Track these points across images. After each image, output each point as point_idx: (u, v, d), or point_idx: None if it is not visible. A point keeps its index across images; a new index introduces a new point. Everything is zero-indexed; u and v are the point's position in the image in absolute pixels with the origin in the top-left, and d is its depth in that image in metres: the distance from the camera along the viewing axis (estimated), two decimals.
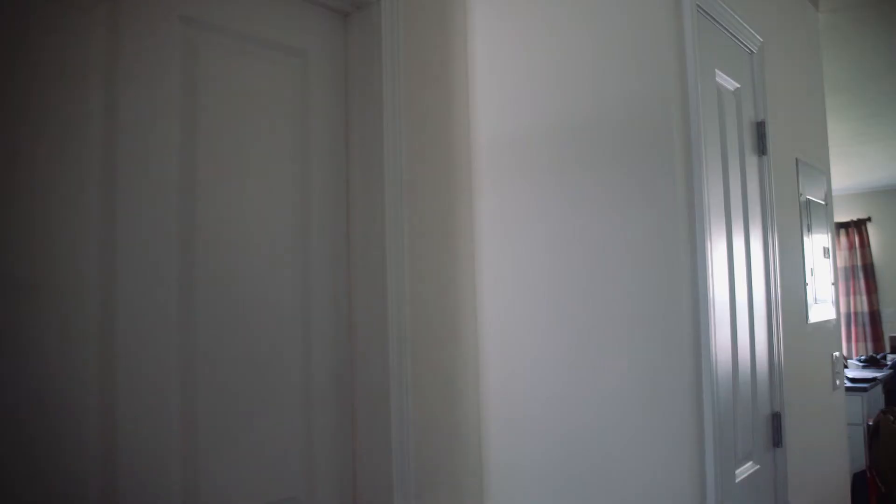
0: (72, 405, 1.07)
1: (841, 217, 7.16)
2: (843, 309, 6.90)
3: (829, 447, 2.43)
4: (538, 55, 1.64)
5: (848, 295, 7.32)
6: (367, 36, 1.53)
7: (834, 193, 2.87)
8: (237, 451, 1.29)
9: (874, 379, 4.41)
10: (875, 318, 7.25)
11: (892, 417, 3.70)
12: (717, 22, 1.69)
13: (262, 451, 1.33)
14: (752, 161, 1.86)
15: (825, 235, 2.58)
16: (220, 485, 1.25)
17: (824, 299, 2.51)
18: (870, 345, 7.12)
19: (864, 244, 7.38)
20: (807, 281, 2.30)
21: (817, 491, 2.20)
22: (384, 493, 1.43)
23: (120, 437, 1.11)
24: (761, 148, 1.91)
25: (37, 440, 1.02)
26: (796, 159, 2.29)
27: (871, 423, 3.74)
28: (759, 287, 1.82)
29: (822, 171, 2.62)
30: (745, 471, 1.64)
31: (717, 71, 1.69)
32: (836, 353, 2.59)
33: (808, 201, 2.39)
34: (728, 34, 1.77)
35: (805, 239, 2.32)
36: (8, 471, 0.99)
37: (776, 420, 1.84)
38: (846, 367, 4.65)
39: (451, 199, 1.67)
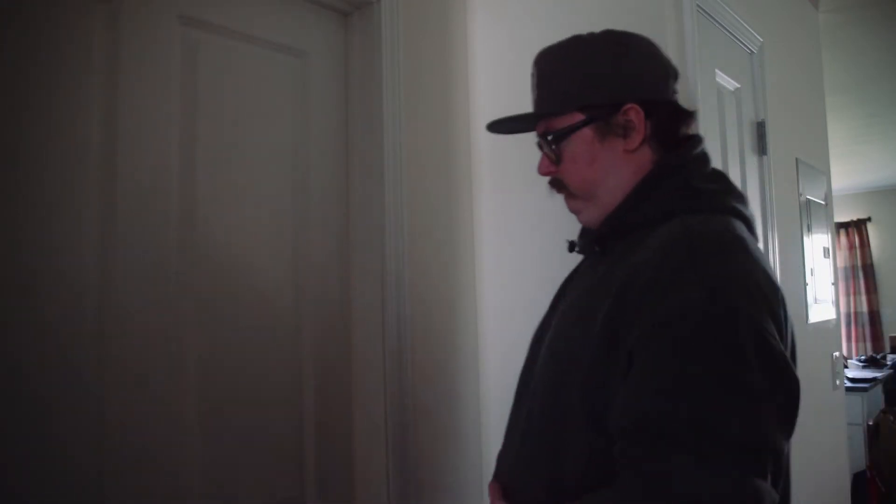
0: (67, 403, 1.06)
1: (841, 217, 7.16)
2: (843, 309, 6.90)
3: (829, 447, 2.43)
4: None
5: (848, 295, 7.32)
6: (367, 36, 1.53)
7: (834, 193, 2.87)
8: (235, 451, 1.29)
9: (874, 379, 4.40)
10: (875, 318, 7.24)
11: (892, 417, 3.70)
12: (717, 22, 1.69)
13: (260, 451, 1.33)
14: (752, 161, 1.86)
15: (825, 235, 2.58)
16: (218, 485, 1.25)
17: (824, 299, 2.51)
18: (870, 345, 7.12)
19: (864, 244, 7.38)
20: (807, 281, 2.30)
21: (817, 491, 2.20)
22: (383, 492, 1.43)
23: (119, 437, 1.11)
24: (761, 148, 1.91)
25: (31, 438, 1.02)
26: (796, 159, 2.29)
27: (871, 423, 3.74)
28: None
29: (822, 171, 2.62)
30: None
31: (717, 71, 1.69)
32: (836, 353, 2.59)
33: (808, 201, 2.39)
34: (728, 34, 1.77)
35: (805, 239, 2.32)
36: (4, 469, 0.99)
37: None
38: (846, 366, 4.65)
39: (452, 199, 1.67)
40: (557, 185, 1.01)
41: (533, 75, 1.01)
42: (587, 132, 0.94)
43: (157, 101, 1.20)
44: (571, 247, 1.08)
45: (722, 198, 0.92)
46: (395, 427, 1.43)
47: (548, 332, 0.98)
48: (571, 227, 1.54)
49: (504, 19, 1.71)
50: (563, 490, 0.85)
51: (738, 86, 1.81)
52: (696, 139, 0.97)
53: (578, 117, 0.95)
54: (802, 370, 2.16)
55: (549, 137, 0.96)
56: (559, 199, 1.56)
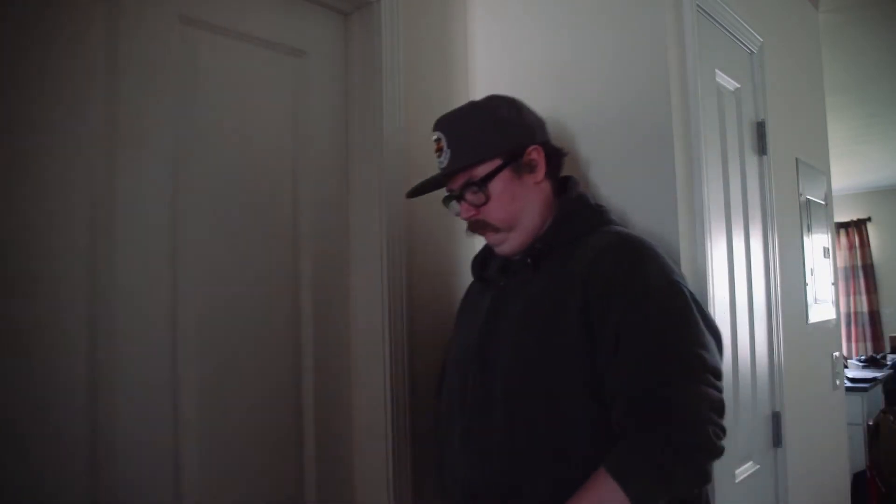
0: (63, 405, 1.06)
1: (841, 217, 7.15)
2: (843, 309, 6.89)
3: (829, 447, 2.43)
4: (538, 56, 1.64)
5: (848, 295, 7.32)
6: (367, 36, 1.53)
7: (834, 193, 2.87)
8: (234, 450, 1.29)
9: (874, 379, 4.40)
10: (875, 318, 7.24)
11: (892, 417, 3.70)
12: (717, 22, 1.69)
13: (260, 450, 1.33)
14: (752, 161, 1.86)
15: (825, 235, 2.58)
16: (217, 484, 1.25)
17: (824, 299, 2.51)
18: (870, 345, 7.12)
19: (864, 244, 7.38)
20: (807, 281, 2.30)
21: (817, 491, 2.20)
22: (383, 491, 1.43)
23: (116, 436, 1.11)
24: (761, 148, 1.91)
25: (25, 440, 1.02)
26: (796, 159, 2.29)
27: (871, 423, 3.74)
28: (759, 287, 1.82)
29: (822, 171, 2.62)
30: (745, 471, 1.64)
31: (717, 71, 1.69)
32: (836, 353, 2.59)
33: (808, 201, 2.39)
34: (728, 34, 1.77)
35: (805, 239, 2.32)
36: None
37: (776, 420, 1.84)
38: (846, 366, 4.65)
39: None
40: (479, 226, 1.18)
41: (438, 139, 1.19)
42: (507, 173, 1.15)
43: (157, 100, 1.20)
44: (482, 276, 1.28)
45: (610, 215, 1.21)
46: (395, 427, 1.43)
47: (489, 344, 1.14)
48: None
49: (504, 19, 1.71)
50: (570, 460, 1.03)
51: (738, 86, 1.81)
52: (573, 178, 1.26)
53: (498, 162, 1.15)
54: (802, 370, 2.14)
55: (476, 183, 1.14)
56: None
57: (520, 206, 1.15)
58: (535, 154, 1.17)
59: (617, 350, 1.00)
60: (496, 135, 1.16)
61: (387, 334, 1.45)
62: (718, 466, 1.44)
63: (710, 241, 1.50)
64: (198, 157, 1.27)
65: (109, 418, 1.10)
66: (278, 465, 1.36)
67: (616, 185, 1.48)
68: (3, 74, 1.02)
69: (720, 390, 1.00)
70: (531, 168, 1.16)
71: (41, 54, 1.06)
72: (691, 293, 1.06)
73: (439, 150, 1.18)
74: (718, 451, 0.98)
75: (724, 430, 0.99)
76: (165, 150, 1.21)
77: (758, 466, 1.71)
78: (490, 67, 1.73)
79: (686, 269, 1.41)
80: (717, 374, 1.01)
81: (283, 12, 1.44)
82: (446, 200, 1.24)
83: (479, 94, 1.74)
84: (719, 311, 1.54)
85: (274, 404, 1.37)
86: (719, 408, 0.99)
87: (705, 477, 0.98)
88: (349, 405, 1.50)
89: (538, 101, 1.62)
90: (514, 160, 1.15)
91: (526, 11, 1.67)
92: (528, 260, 1.14)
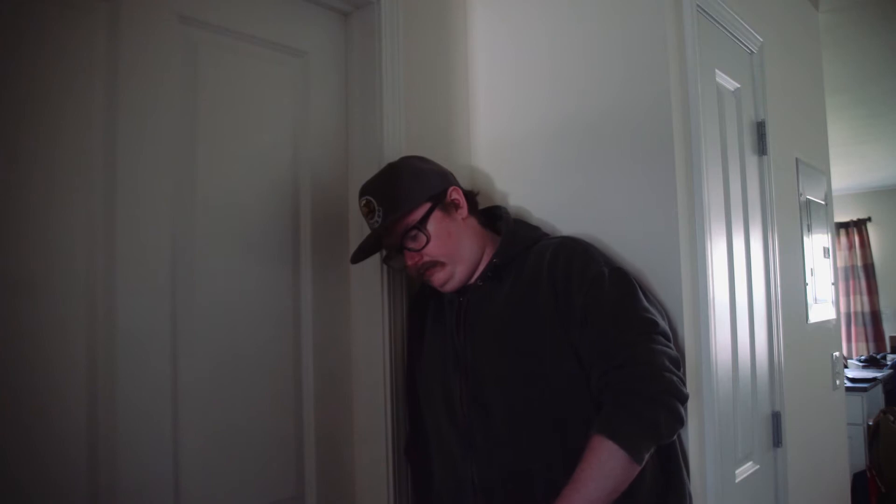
0: (63, 405, 1.06)
1: (841, 217, 7.15)
2: (843, 309, 6.88)
3: (829, 447, 2.43)
4: (538, 56, 1.64)
5: (848, 295, 7.31)
6: (367, 36, 1.53)
7: (834, 193, 2.87)
8: (234, 450, 1.29)
9: (874, 379, 4.40)
10: (875, 318, 7.23)
11: (892, 417, 3.71)
12: (717, 22, 1.69)
13: (260, 450, 1.33)
14: (752, 161, 1.86)
15: (825, 235, 2.58)
16: (218, 485, 1.25)
17: (824, 299, 2.51)
18: (870, 345, 7.11)
19: (864, 244, 7.37)
20: (807, 281, 2.30)
21: (817, 491, 2.21)
22: (382, 490, 1.43)
23: (116, 437, 1.11)
24: (761, 148, 1.91)
25: (25, 440, 1.02)
26: (796, 159, 2.29)
27: (871, 423, 3.74)
28: (759, 287, 1.82)
29: (822, 171, 2.62)
30: (745, 471, 1.64)
31: (717, 71, 1.69)
32: (836, 353, 2.59)
33: (808, 201, 2.39)
34: (728, 34, 1.77)
35: (805, 239, 2.32)
36: None
37: (776, 420, 1.84)
38: (846, 366, 4.65)
39: None
40: (427, 267, 1.28)
41: (367, 203, 1.28)
42: (438, 213, 1.28)
43: (157, 100, 1.20)
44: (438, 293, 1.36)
45: (542, 231, 1.41)
46: (395, 426, 1.43)
47: (469, 352, 1.27)
48: (570, 228, 1.55)
49: (503, 19, 1.71)
50: (570, 428, 1.17)
51: (738, 86, 1.81)
52: (503, 207, 1.43)
53: (428, 206, 1.27)
54: (802, 370, 2.13)
55: (415, 227, 1.26)
56: (558, 201, 1.57)
57: (457, 239, 1.29)
58: (456, 194, 1.32)
59: (585, 325, 1.18)
60: (419, 184, 1.29)
61: (387, 334, 1.45)
62: (718, 466, 1.45)
63: (710, 241, 1.50)
64: (198, 156, 1.27)
65: (109, 418, 1.10)
66: (278, 465, 1.36)
67: (616, 185, 1.48)
68: (3, 73, 1.02)
69: (673, 349, 1.18)
70: (456, 206, 1.31)
71: (41, 54, 1.06)
72: (633, 277, 1.27)
73: (370, 212, 1.28)
74: (685, 395, 1.13)
75: (683, 381, 1.15)
76: (165, 150, 1.21)
77: (758, 466, 1.71)
78: (490, 67, 1.73)
79: (686, 269, 1.41)
80: (668, 337, 1.20)
81: (284, 12, 1.45)
82: (387, 259, 1.36)
83: (479, 92, 1.74)
84: (719, 312, 1.54)
85: (274, 404, 1.37)
86: (676, 360, 1.16)
87: (681, 418, 1.11)
88: (349, 405, 1.50)
89: (538, 100, 1.63)
90: (440, 201, 1.29)
91: (526, 12, 1.67)
92: (490, 274, 1.29)
